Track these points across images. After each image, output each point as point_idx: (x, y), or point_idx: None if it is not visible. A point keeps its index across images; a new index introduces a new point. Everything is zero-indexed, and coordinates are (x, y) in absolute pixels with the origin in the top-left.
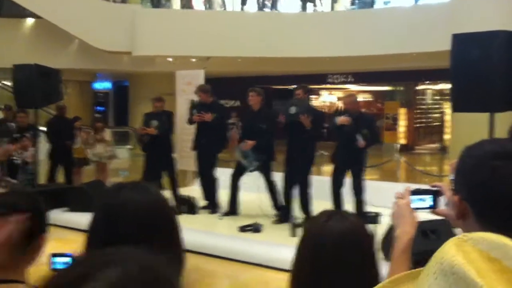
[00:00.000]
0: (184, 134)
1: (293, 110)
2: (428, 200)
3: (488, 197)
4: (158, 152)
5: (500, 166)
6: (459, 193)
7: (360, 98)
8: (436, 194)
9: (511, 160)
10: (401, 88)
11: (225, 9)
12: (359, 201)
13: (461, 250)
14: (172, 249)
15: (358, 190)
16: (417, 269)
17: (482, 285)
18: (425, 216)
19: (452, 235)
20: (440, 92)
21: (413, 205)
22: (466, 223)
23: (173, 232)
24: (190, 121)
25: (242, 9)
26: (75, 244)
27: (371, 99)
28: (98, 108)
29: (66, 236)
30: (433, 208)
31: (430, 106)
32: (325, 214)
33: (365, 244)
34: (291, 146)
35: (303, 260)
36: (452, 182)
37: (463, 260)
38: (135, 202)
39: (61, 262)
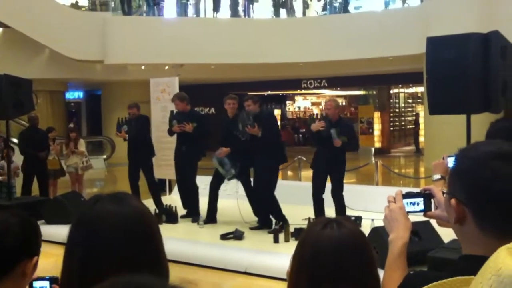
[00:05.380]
0: (160, 143)
1: (240, 127)
2: (420, 204)
3: (488, 197)
4: (134, 156)
5: (500, 166)
6: (455, 196)
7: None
8: (427, 197)
9: (510, 160)
10: (375, 92)
11: (198, 15)
12: (340, 206)
13: None
14: (154, 261)
15: (338, 195)
16: (468, 277)
17: None
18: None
19: (435, 236)
20: (413, 95)
21: (405, 209)
22: (464, 228)
23: (154, 244)
24: (170, 132)
25: (214, 15)
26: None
27: (345, 103)
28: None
29: (43, 249)
30: (424, 211)
31: (403, 109)
32: (320, 222)
33: (365, 250)
34: (253, 154)
35: (300, 270)
36: (436, 182)
37: None
38: (111, 214)
39: (41, 286)
